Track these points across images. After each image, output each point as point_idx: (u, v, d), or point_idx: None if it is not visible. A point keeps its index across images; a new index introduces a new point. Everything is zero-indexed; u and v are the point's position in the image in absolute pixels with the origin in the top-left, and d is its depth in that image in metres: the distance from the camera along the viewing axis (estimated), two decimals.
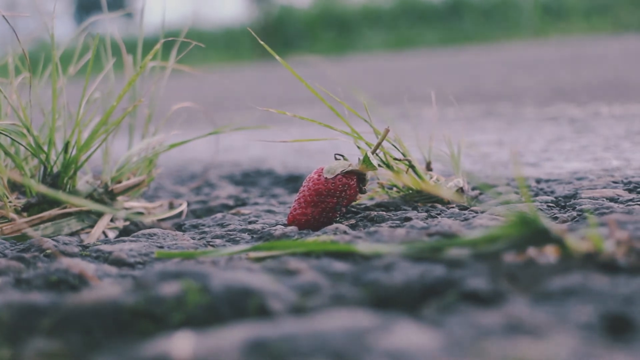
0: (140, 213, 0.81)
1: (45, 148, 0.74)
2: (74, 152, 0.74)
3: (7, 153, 0.74)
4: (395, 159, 0.75)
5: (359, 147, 0.76)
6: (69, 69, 0.85)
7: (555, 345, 0.32)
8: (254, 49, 8.73)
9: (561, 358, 0.30)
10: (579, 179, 0.89)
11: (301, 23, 9.68)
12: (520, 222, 0.44)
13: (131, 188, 0.79)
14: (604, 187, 0.79)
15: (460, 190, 0.77)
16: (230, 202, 0.93)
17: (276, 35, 9.26)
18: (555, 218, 0.67)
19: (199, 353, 0.32)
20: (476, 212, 0.70)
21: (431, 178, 0.78)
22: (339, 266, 0.47)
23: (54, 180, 0.74)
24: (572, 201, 0.73)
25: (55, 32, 0.75)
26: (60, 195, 0.56)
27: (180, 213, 0.85)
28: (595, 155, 1.12)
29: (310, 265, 0.47)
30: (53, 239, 0.66)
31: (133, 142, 0.87)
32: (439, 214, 0.71)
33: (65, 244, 0.64)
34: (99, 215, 0.75)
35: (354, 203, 0.76)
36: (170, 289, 0.40)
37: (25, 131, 0.72)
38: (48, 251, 0.60)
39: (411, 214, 0.70)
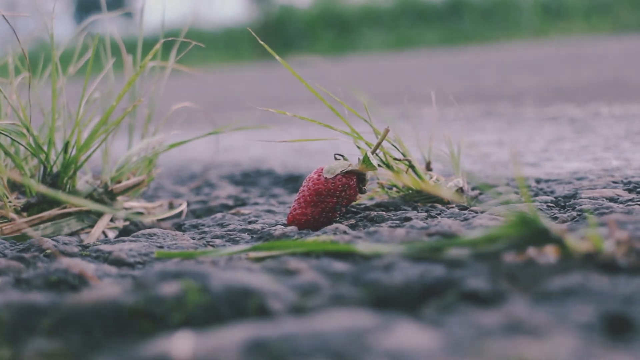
0: (140, 213, 0.81)
1: (45, 148, 0.74)
2: (73, 152, 0.74)
3: (7, 153, 0.74)
4: (395, 159, 0.75)
5: (358, 147, 0.76)
6: (69, 69, 0.85)
7: (555, 345, 0.32)
8: (254, 49, 8.73)
9: (561, 358, 0.30)
10: (579, 179, 0.89)
11: (301, 23, 9.68)
12: (520, 222, 0.44)
13: (131, 188, 0.79)
14: (604, 187, 0.79)
15: (460, 190, 0.77)
16: (230, 202, 0.93)
17: (276, 35, 9.26)
18: (555, 218, 0.67)
19: (199, 353, 0.32)
20: (476, 212, 0.70)
21: (431, 178, 0.78)
22: (339, 266, 0.47)
23: (53, 180, 0.74)
24: (572, 201, 0.73)
25: (55, 32, 0.75)
26: (60, 195, 0.56)
27: (180, 213, 0.85)
28: (595, 155, 1.12)
29: (310, 265, 0.47)
30: (53, 239, 0.66)
31: (133, 142, 0.87)
32: (438, 214, 0.71)
33: (65, 244, 0.64)
34: (99, 215, 0.75)
35: (353, 203, 0.76)
36: (170, 289, 0.40)
37: (25, 131, 0.72)
38: (48, 251, 0.60)
39: (411, 214, 0.70)
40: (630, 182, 0.81)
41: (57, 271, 0.50)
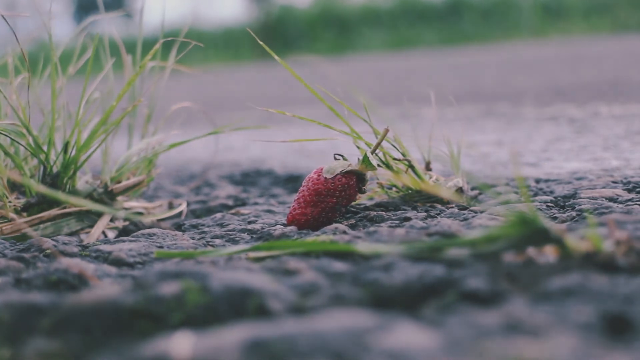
0: (140, 213, 0.81)
1: (45, 148, 0.74)
2: (73, 152, 0.74)
3: (6, 153, 0.74)
4: (394, 159, 0.75)
5: (358, 147, 0.76)
6: (69, 69, 0.85)
7: (555, 345, 0.32)
8: (253, 49, 8.73)
9: (561, 358, 0.30)
10: (579, 179, 0.89)
11: (301, 23, 9.68)
12: (520, 222, 0.45)
13: (131, 188, 0.79)
14: (604, 187, 0.79)
15: (460, 190, 0.77)
16: (230, 202, 0.94)
17: (276, 35, 9.26)
18: (555, 218, 0.67)
19: (199, 353, 0.32)
20: (475, 212, 0.70)
21: (430, 178, 0.78)
22: (339, 266, 0.47)
23: (53, 180, 0.74)
24: (572, 201, 0.73)
25: (55, 32, 0.75)
26: (60, 195, 0.56)
27: (180, 213, 0.85)
28: (595, 155, 1.12)
29: (309, 265, 0.47)
30: (53, 239, 0.66)
31: (132, 142, 0.87)
32: (438, 214, 0.71)
33: (65, 244, 0.64)
34: (99, 215, 0.75)
35: (353, 203, 0.76)
36: (169, 288, 0.40)
37: (24, 131, 0.72)
38: (48, 251, 0.60)
39: (410, 214, 0.70)
40: (629, 182, 0.81)
41: (57, 271, 0.50)
